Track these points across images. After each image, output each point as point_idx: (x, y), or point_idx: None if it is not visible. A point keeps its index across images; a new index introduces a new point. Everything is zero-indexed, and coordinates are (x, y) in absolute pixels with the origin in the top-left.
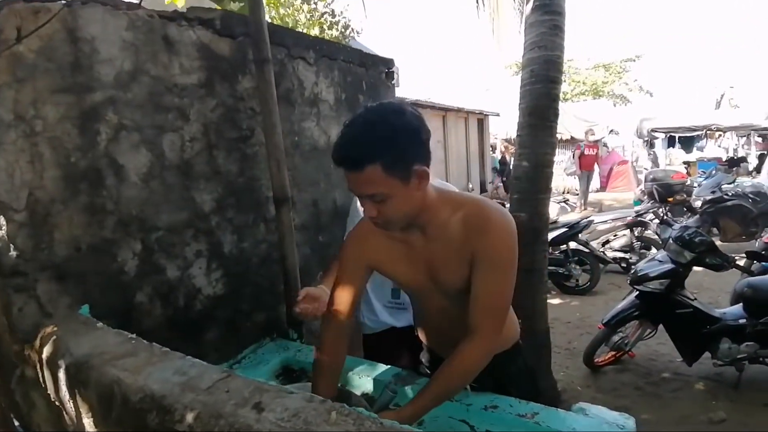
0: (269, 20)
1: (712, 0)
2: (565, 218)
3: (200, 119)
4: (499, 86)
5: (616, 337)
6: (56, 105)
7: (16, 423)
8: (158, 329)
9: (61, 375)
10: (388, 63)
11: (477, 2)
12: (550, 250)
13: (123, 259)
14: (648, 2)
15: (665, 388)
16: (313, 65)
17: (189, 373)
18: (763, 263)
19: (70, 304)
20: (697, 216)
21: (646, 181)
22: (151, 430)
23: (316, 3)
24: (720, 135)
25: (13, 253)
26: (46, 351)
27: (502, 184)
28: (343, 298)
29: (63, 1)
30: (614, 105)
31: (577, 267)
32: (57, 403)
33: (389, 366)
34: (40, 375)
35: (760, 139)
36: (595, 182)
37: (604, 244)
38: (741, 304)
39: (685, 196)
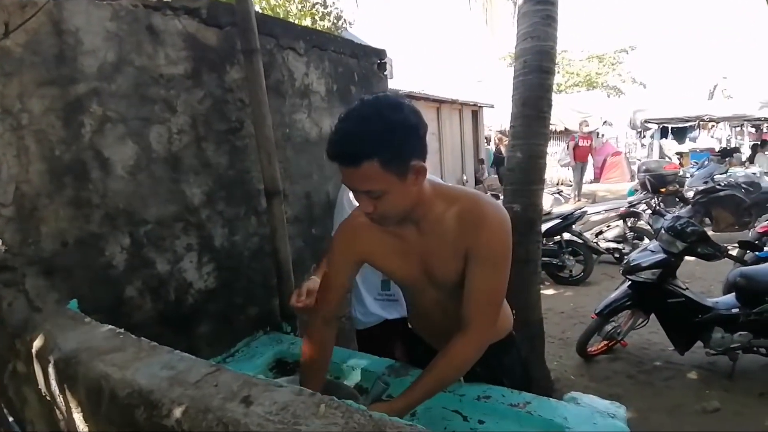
0: (260, 10)
1: None
2: (558, 209)
3: (188, 111)
4: (493, 77)
5: (608, 327)
6: (41, 98)
7: (10, 419)
8: (149, 324)
9: (51, 370)
10: (380, 54)
11: None
12: (544, 241)
13: (111, 253)
14: None
15: (657, 376)
16: (303, 56)
17: (177, 368)
18: (756, 253)
19: (58, 298)
20: (690, 206)
21: (639, 172)
22: (139, 426)
23: None
24: (713, 126)
25: (1, 247)
26: (36, 346)
27: (497, 176)
28: (332, 290)
29: None
30: (608, 96)
31: (571, 258)
32: (48, 398)
33: (382, 358)
34: (31, 370)
35: (753, 130)
36: (589, 173)
37: (597, 235)
38: (734, 293)
39: (677, 186)
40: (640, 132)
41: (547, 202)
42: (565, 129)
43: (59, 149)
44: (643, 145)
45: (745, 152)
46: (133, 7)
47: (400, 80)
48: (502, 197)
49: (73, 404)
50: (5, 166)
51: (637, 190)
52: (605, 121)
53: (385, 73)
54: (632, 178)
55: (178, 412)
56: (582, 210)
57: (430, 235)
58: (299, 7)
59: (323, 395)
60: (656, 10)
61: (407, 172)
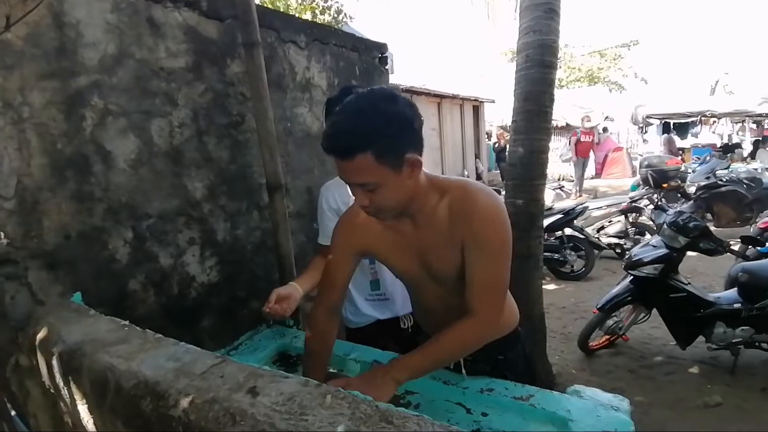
0: (259, 3)
1: None
2: (560, 205)
3: (189, 104)
4: (494, 72)
5: (610, 322)
6: (42, 91)
7: (13, 412)
8: (152, 317)
9: (55, 363)
10: (382, 48)
11: None
12: (546, 237)
13: (114, 247)
14: None
15: (659, 371)
16: (304, 49)
17: (183, 359)
18: (758, 248)
19: (61, 291)
20: (692, 201)
21: (641, 168)
22: (145, 416)
23: None
24: (714, 121)
25: (3, 241)
26: (39, 339)
27: (498, 171)
28: (334, 282)
29: None
30: (610, 91)
31: (572, 253)
32: (52, 390)
33: (384, 351)
34: (34, 363)
35: (754, 126)
36: (590, 169)
37: (598, 230)
38: (735, 288)
39: (679, 182)
40: (642, 127)
41: (548, 197)
42: (567, 124)
43: (61, 142)
44: (645, 140)
45: (747, 148)
46: None
47: (400, 75)
48: (503, 192)
49: (77, 396)
50: (6, 159)
51: (639, 185)
52: (607, 117)
53: (386, 67)
54: (634, 173)
55: (185, 403)
56: (584, 205)
57: (426, 229)
58: (299, 1)
59: (329, 386)
60: (658, 5)
61: (402, 164)
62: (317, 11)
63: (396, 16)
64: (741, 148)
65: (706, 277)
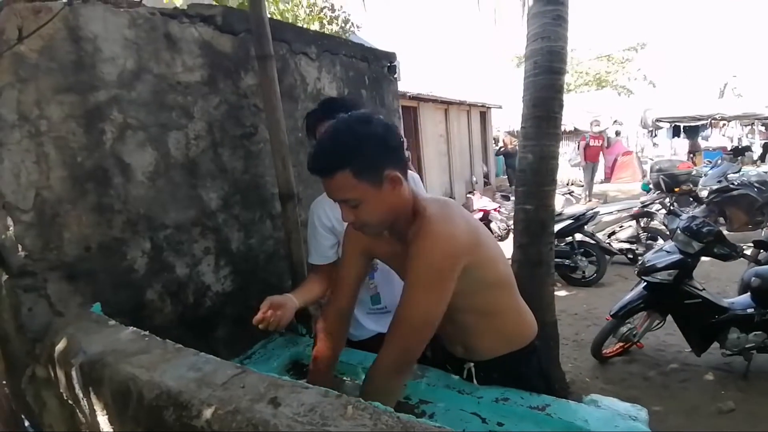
0: (269, 15)
1: None
2: (570, 210)
3: (204, 117)
4: (501, 78)
5: (624, 328)
6: (60, 104)
7: (26, 423)
8: (169, 327)
9: (74, 373)
10: (390, 57)
11: None
12: (556, 242)
13: (133, 258)
14: None
15: (674, 378)
16: (315, 60)
17: (204, 369)
18: None
19: (81, 302)
20: (704, 206)
21: (652, 172)
22: (168, 426)
23: None
24: (724, 124)
25: (21, 253)
26: (59, 350)
27: (506, 177)
28: (344, 284)
29: (64, 0)
30: (618, 95)
31: (583, 259)
32: (70, 401)
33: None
34: (51, 374)
35: (763, 128)
36: (600, 173)
37: (610, 236)
38: (749, 293)
39: (691, 186)
40: (652, 131)
41: (558, 202)
42: (575, 129)
43: (81, 156)
44: (655, 144)
45: (757, 151)
46: (151, 14)
47: (407, 82)
48: (513, 198)
49: (98, 407)
50: (24, 172)
51: (649, 184)
52: (615, 121)
53: (395, 75)
54: (644, 177)
55: (207, 413)
56: (594, 210)
57: (406, 247)
58: (307, 11)
59: (350, 397)
60: (665, 8)
61: (382, 181)
62: (325, 21)
63: (403, 24)
64: (751, 151)
65: (719, 282)
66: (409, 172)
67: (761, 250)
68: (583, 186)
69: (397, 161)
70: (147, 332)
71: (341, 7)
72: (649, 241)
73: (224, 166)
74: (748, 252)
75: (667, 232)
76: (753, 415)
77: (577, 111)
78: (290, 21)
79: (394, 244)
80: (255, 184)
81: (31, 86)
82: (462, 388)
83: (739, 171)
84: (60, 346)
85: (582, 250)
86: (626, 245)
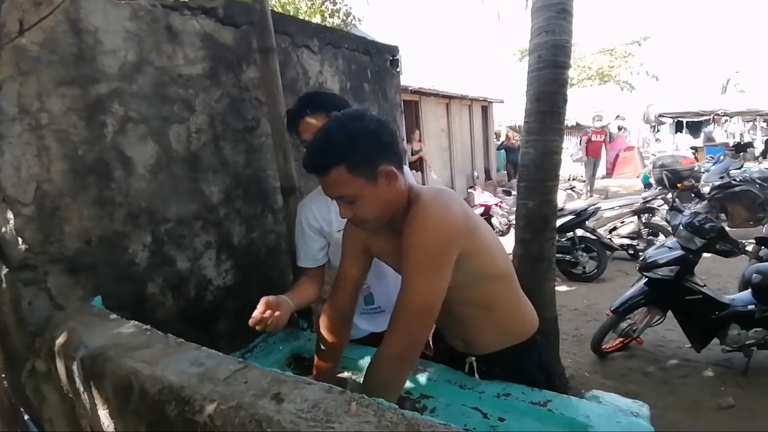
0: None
1: None
2: (571, 205)
3: (206, 110)
4: (503, 73)
5: (624, 324)
6: (61, 97)
7: (26, 416)
8: (170, 320)
9: (75, 367)
10: (393, 50)
11: None
12: (557, 238)
13: (134, 251)
14: None
15: (673, 374)
16: (317, 54)
17: (206, 364)
18: None
19: (82, 296)
20: (706, 202)
21: (654, 168)
22: (170, 421)
23: None
24: (726, 120)
25: (21, 246)
26: (60, 343)
27: (506, 172)
28: (345, 282)
29: None
30: (621, 90)
31: (584, 254)
32: (71, 395)
33: None
34: (52, 368)
35: (765, 125)
36: (602, 169)
37: (611, 231)
38: (750, 290)
39: (693, 182)
40: (654, 126)
41: (559, 198)
42: (577, 124)
43: (82, 149)
44: (657, 139)
45: (758, 147)
46: (152, 6)
47: (409, 76)
48: (514, 193)
49: (99, 401)
50: (24, 165)
51: (649, 175)
52: (618, 116)
53: (397, 69)
54: (645, 169)
55: (210, 409)
56: (596, 206)
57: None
58: (309, 4)
59: (353, 393)
60: (668, 1)
61: (377, 176)
62: (326, 14)
63: (404, 17)
64: (753, 147)
65: (720, 278)
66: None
67: (762, 247)
68: (584, 181)
69: (391, 156)
70: (148, 326)
71: (342, 0)
72: (650, 237)
73: (226, 159)
74: (749, 248)
75: (669, 228)
76: (753, 411)
77: (579, 106)
78: (291, 14)
79: (392, 239)
80: (257, 177)
81: (32, 79)
82: (463, 383)
83: (741, 167)
84: (60, 339)
85: (583, 245)
86: (627, 241)
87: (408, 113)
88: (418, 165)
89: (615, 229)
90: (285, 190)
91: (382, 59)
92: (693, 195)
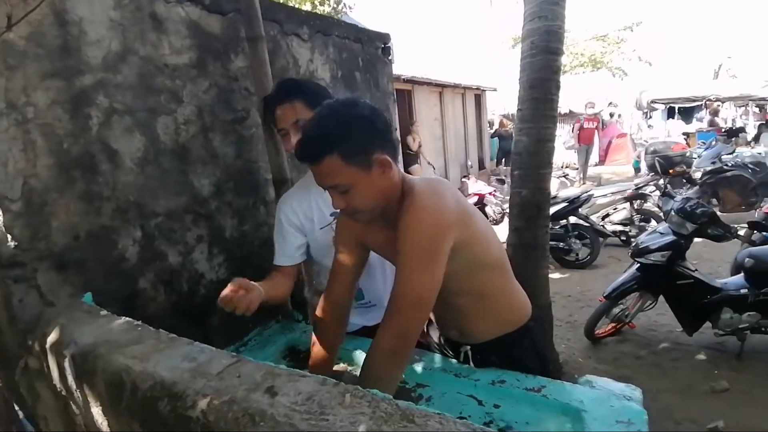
0: None
1: None
2: (565, 193)
3: (193, 101)
4: (496, 61)
5: (616, 309)
6: (46, 90)
7: (21, 414)
8: (163, 315)
9: (67, 365)
10: (385, 38)
11: None
12: (550, 225)
13: (123, 246)
14: None
15: (665, 357)
16: (307, 41)
17: (198, 359)
18: (764, 233)
19: (72, 293)
20: (697, 187)
21: (646, 154)
22: (162, 417)
23: None
24: (718, 105)
25: (10, 243)
26: (51, 341)
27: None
28: (340, 274)
29: None
30: (613, 76)
31: (577, 241)
32: (63, 393)
33: None
34: (44, 365)
35: (757, 110)
36: (594, 156)
37: (603, 218)
38: (742, 274)
39: (685, 167)
40: (647, 112)
41: (553, 185)
42: (570, 111)
43: (67, 142)
44: (650, 126)
45: (750, 132)
46: None
47: (401, 65)
48: (508, 181)
49: (91, 398)
50: (11, 161)
51: (639, 160)
52: (611, 102)
53: (389, 57)
54: (637, 158)
55: (203, 404)
56: (588, 193)
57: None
58: None
59: (348, 385)
60: None
61: (371, 165)
62: (317, 1)
63: (396, 5)
64: (745, 132)
65: (712, 263)
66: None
67: (755, 231)
68: (577, 169)
69: (386, 144)
70: (140, 322)
71: None
72: (642, 223)
73: (215, 151)
74: (741, 233)
75: (661, 214)
76: (748, 395)
77: (572, 93)
78: (280, 1)
79: (386, 231)
80: (248, 169)
81: (19, 73)
82: (459, 371)
83: (733, 152)
84: (52, 337)
85: (576, 232)
86: (619, 227)
87: (401, 103)
88: (417, 159)
89: (607, 215)
90: (276, 181)
91: (373, 47)
92: (685, 181)
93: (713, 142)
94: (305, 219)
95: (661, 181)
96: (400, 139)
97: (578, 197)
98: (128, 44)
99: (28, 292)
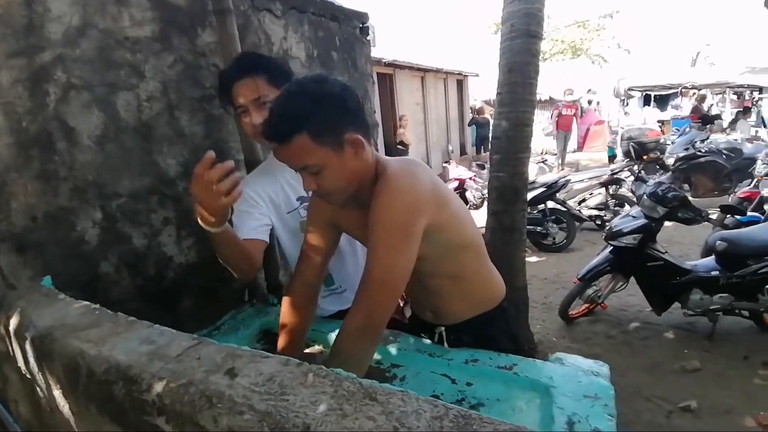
0: None
1: None
2: (543, 178)
3: (157, 76)
4: (478, 46)
5: (590, 291)
6: (10, 69)
7: None
8: (128, 299)
9: (28, 348)
10: (363, 17)
11: None
12: (528, 210)
13: (83, 228)
14: None
15: (635, 336)
16: (280, 18)
17: (157, 342)
18: (738, 217)
19: (31, 275)
20: (670, 173)
21: (622, 140)
22: (118, 401)
23: None
24: (694, 93)
25: None
26: (13, 324)
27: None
28: (311, 254)
29: None
30: (593, 63)
31: (554, 225)
32: (28, 376)
33: None
34: (10, 349)
35: (735, 97)
36: (573, 142)
37: (580, 203)
38: (713, 256)
39: (658, 153)
40: (624, 100)
41: (531, 171)
42: (550, 98)
43: (26, 120)
44: (626, 113)
45: (727, 119)
46: None
47: (383, 48)
48: (487, 166)
49: (52, 381)
50: None
51: (613, 146)
52: (589, 90)
53: (368, 37)
54: (613, 142)
55: (158, 387)
56: (566, 179)
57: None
58: None
59: (311, 365)
60: None
61: (342, 144)
62: None
63: None
64: (721, 119)
65: (682, 246)
66: None
67: (727, 215)
68: (556, 155)
69: (358, 123)
70: (98, 306)
71: None
72: (616, 208)
73: (182, 130)
74: (714, 216)
75: (634, 199)
76: (720, 376)
77: (552, 80)
78: None
79: (359, 213)
80: (218, 150)
81: None
82: (433, 351)
83: (707, 139)
84: (13, 320)
85: (553, 217)
86: (595, 212)
87: (382, 87)
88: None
89: (584, 200)
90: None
91: (351, 26)
92: (658, 167)
93: (687, 129)
94: (271, 203)
95: (636, 167)
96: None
97: (556, 182)
98: (88, 18)
99: None
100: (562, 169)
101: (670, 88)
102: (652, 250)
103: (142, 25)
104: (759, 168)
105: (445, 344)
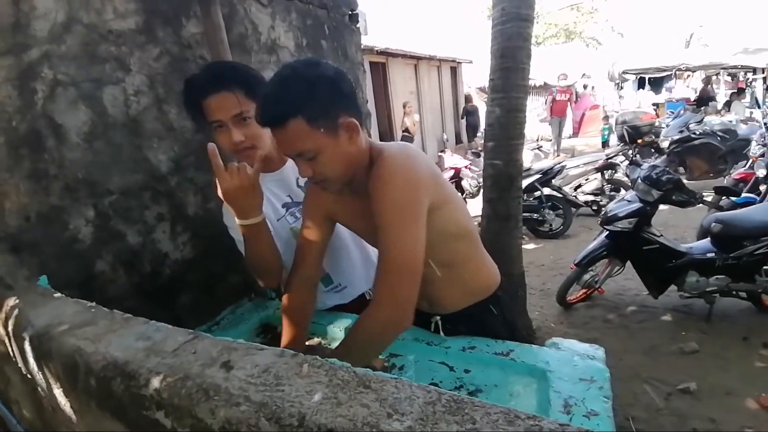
0: None
1: None
2: (538, 165)
3: (143, 70)
4: (472, 32)
5: (587, 276)
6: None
7: None
8: (124, 297)
9: (27, 348)
10: (351, 4)
11: None
12: (525, 197)
13: (76, 227)
14: None
15: (632, 319)
16: (267, 6)
17: (153, 338)
18: (733, 198)
19: (27, 275)
20: (665, 156)
21: (616, 124)
22: (117, 397)
23: None
24: (689, 75)
25: None
26: (11, 324)
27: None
28: (308, 249)
29: None
30: (587, 46)
31: (551, 212)
32: (29, 376)
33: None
34: (10, 349)
35: (729, 78)
36: (568, 128)
37: (576, 189)
38: (708, 239)
39: (653, 137)
40: (618, 83)
41: (527, 158)
42: (545, 83)
43: (15, 120)
44: (621, 96)
45: (721, 101)
46: None
47: (375, 36)
48: (482, 154)
49: (52, 380)
50: None
51: (605, 132)
52: (584, 74)
53: (357, 25)
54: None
55: (156, 382)
56: (561, 164)
57: (366, 199)
58: None
59: (306, 355)
60: None
61: (337, 128)
62: None
63: None
64: (715, 101)
65: (678, 229)
66: None
67: (722, 197)
68: (551, 141)
69: (352, 107)
70: (93, 304)
71: None
72: (612, 193)
73: (172, 124)
74: (709, 198)
75: (629, 183)
76: (718, 357)
77: (547, 65)
78: None
79: (355, 202)
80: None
81: None
82: (430, 340)
83: (701, 121)
84: (12, 320)
85: (549, 203)
86: (591, 197)
87: (375, 75)
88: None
89: (580, 186)
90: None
91: (340, 14)
92: (653, 150)
93: (681, 112)
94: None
95: (630, 151)
96: (372, 114)
97: (551, 169)
98: (73, 13)
99: None
100: (558, 155)
101: (665, 71)
102: (647, 233)
103: (125, 17)
104: (753, 149)
105: (441, 334)
